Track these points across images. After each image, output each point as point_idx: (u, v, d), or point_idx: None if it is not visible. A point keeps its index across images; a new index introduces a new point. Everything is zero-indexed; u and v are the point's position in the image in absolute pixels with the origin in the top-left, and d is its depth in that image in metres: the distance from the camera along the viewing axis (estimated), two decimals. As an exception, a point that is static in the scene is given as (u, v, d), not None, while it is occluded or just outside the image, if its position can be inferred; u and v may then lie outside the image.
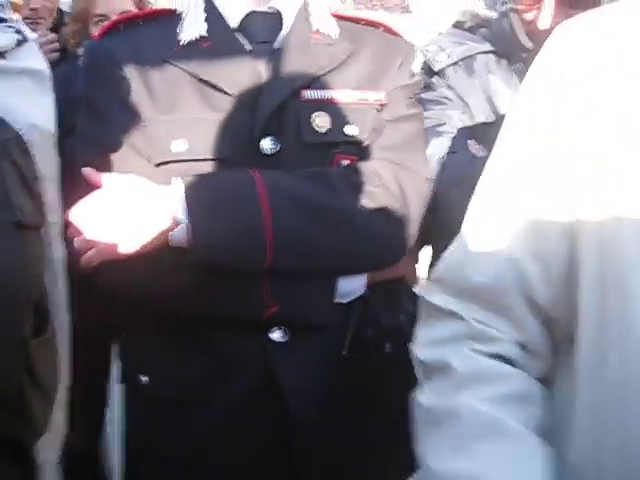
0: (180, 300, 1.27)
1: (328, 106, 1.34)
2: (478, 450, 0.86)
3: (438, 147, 1.61)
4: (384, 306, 1.41)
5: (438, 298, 0.97)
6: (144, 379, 1.35)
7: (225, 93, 1.32)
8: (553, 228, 0.88)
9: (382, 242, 1.33)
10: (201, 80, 1.33)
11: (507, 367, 0.91)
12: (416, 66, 1.48)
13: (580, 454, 0.85)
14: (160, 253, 1.23)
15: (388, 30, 1.49)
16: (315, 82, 1.35)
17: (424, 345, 0.99)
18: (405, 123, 1.41)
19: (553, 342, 0.92)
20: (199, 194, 1.23)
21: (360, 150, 1.35)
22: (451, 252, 1.00)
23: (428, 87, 1.72)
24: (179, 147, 1.29)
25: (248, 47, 1.37)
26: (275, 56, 1.36)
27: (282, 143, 1.31)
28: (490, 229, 0.94)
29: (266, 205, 1.22)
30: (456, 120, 1.66)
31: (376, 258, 1.34)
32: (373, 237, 1.31)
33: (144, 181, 1.25)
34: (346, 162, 1.34)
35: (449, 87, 1.71)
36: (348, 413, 1.37)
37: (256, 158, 1.30)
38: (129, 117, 1.32)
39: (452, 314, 0.95)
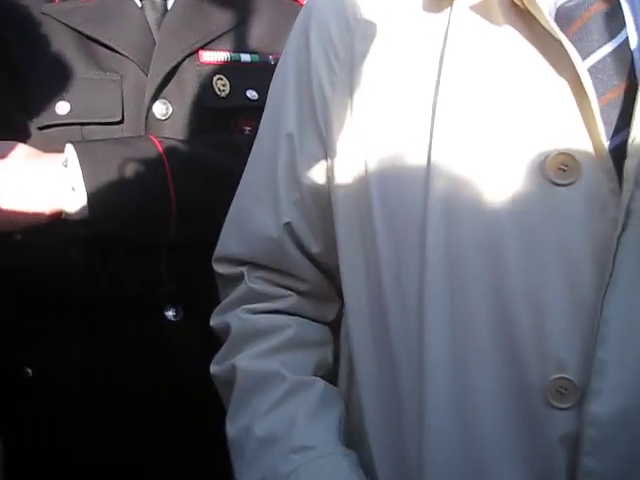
0: (72, 279, 1.16)
1: (228, 69, 1.26)
2: (252, 405, 0.87)
3: None
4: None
5: (226, 269, 0.96)
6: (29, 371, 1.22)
7: (114, 51, 1.21)
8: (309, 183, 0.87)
9: None
10: (87, 37, 1.21)
11: (281, 317, 0.91)
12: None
13: (363, 393, 0.85)
14: (53, 227, 1.10)
15: None
16: (213, 43, 1.26)
17: (214, 313, 0.99)
18: None
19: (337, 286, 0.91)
20: (95, 158, 1.10)
21: (262, 115, 1.27)
22: (228, 217, 0.98)
23: None
24: (63, 109, 1.17)
25: (138, 3, 1.26)
26: (168, 14, 1.25)
27: (177, 107, 1.22)
28: (253, 194, 0.93)
29: (169, 171, 1.13)
30: None
31: None
32: None
33: (29, 149, 1.12)
34: (248, 128, 1.26)
35: None
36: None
37: (149, 123, 1.20)
38: (7, 77, 1.18)
39: (236, 280, 0.94)
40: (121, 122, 1.19)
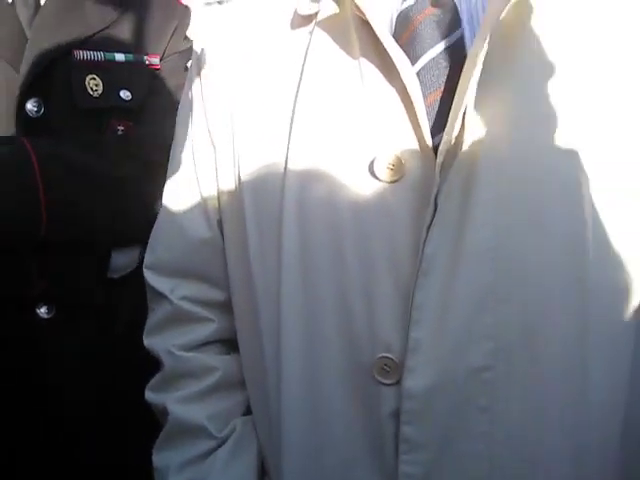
0: None
1: (102, 68, 1.26)
2: (176, 451, 0.91)
3: None
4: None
5: (154, 280, 0.97)
6: None
7: None
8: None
9: (157, 211, 1.26)
10: None
11: (209, 359, 0.94)
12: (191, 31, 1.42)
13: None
14: None
15: None
16: (87, 42, 1.25)
17: (145, 332, 1.00)
18: (180, 90, 1.35)
19: None
20: None
21: (135, 115, 1.29)
22: (155, 230, 1.00)
23: None
24: None
25: None
26: (40, 11, 1.24)
27: (49, 106, 1.21)
28: (179, 199, 0.95)
29: (39, 173, 1.12)
30: None
31: (151, 227, 1.27)
32: (148, 207, 1.24)
33: None
34: (121, 128, 1.26)
35: None
36: (120, 395, 1.30)
37: (20, 121, 1.19)
38: None
39: (162, 295, 0.96)
40: None
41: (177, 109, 1.29)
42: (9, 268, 1.16)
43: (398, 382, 0.74)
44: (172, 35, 1.36)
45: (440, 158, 0.70)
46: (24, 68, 1.19)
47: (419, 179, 0.73)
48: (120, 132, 1.26)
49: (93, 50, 1.26)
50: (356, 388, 0.77)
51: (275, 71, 0.83)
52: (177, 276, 0.95)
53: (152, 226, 1.26)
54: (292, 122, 0.80)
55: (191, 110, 0.93)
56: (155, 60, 1.32)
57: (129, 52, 1.30)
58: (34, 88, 1.20)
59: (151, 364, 1.33)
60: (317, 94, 0.79)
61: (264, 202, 0.82)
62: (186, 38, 1.41)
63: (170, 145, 1.25)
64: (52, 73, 1.22)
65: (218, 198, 0.91)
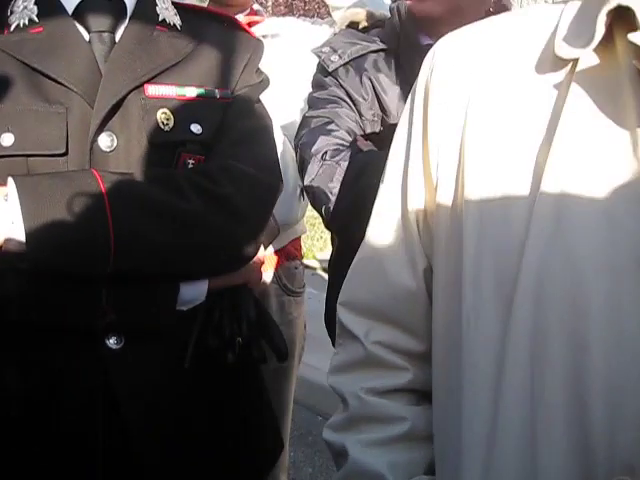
0: (13, 308, 1.15)
1: (173, 103, 1.27)
2: None
3: (325, 144, 1.60)
4: (226, 314, 1.34)
5: (348, 319, 0.94)
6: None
7: (60, 84, 1.21)
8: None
9: (226, 245, 1.26)
10: (33, 69, 1.21)
11: (398, 407, 0.90)
12: (262, 63, 1.43)
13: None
14: None
15: (233, 24, 1.43)
16: (159, 77, 1.27)
17: (331, 370, 0.97)
18: (249, 121, 1.36)
19: None
20: (35, 193, 1.11)
21: (206, 149, 1.29)
22: (355, 266, 0.96)
23: (322, 86, 1.72)
24: (7, 141, 1.17)
25: (86, 35, 1.26)
26: (116, 47, 1.26)
27: (122, 140, 1.23)
28: (386, 241, 0.91)
29: (108, 206, 1.13)
30: (345, 118, 1.65)
31: (219, 261, 1.28)
32: (217, 240, 1.24)
33: None
34: (191, 162, 1.27)
35: (340, 86, 1.69)
36: (188, 425, 1.30)
37: (93, 156, 1.21)
38: None
39: (354, 336, 0.93)
40: (65, 154, 1.19)
41: (248, 143, 1.30)
42: (78, 298, 1.17)
43: None
44: (244, 69, 1.37)
45: None
46: (98, 103, 1.21)
47: None
48: (191, 165, 1.27)
49: (164, 85, 1.27)
50: None
51: (521, 112, 0.75)
52: (373, 319, 0.92)
53: (219, 261, 1.27)
54: (540, 181, 0.71)
55: (408, 143, 0.89)
56: (227, 94, 1.33)
57: (200, 86, 1.30)
58: (107, 123, 1.22)
59: (221, 397, 1.34)
60: (575, 155, 0.70)
61: (492, 259, 0.74)
62: (258, 71, 1.41)
63: (239, 179, 1.26)
64: (124, 108, 1.23)
65: (429, 243, 0.86)
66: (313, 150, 1.59)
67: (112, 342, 1.22)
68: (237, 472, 1.38)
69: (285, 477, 2.41)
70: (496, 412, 0.72)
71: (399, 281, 0.89)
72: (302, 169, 1.64)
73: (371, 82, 1.68)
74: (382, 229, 0.92)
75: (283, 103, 1.97)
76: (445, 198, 0.82)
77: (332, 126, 1.63)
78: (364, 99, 1.67)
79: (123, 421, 1.22)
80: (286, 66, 2.02)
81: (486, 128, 0.78)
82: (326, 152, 1.58)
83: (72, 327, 1.19)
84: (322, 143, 1.60)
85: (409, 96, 0.91)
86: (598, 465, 0.66)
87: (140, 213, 1.16)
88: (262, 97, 1.44)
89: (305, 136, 1.65)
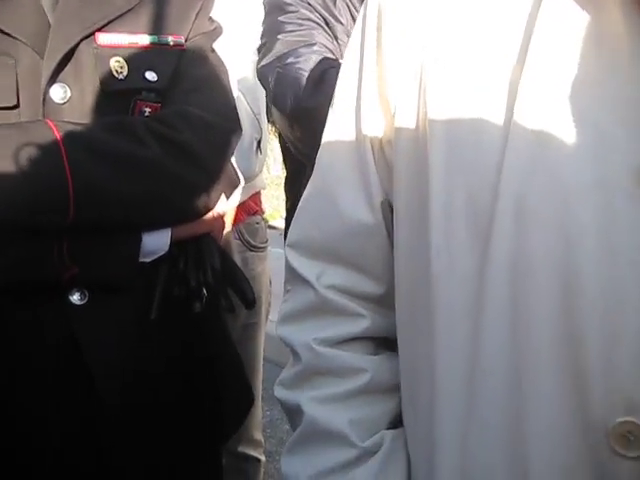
0: None
1: (126, 51, 1.24)
2: (311, 457, 0.82)
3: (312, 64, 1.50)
4: (191, 264, 1.33)
5: (298, 261, 0.86)
6: None
7: (7, 35, 1.17)
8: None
9: (187, 193, 1.24)
10: None
11: (356, 358, 0.83)
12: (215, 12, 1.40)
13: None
14: None
15: None
16: (110, 25, 1.24)
17: (280, 319, 0.89)
18: (204, 68, 1.34)
19: None
20: None
21: (162, 97, 1.27)
22: (303, 202, 0.88)
23: (283, 10, 1.61)
24: None
25: None
26: None
27: (75, 91, 1.20)
28: (336, 175, 0.83)
29: (65, 157, 1.11)
30: (324, 41, 1.56)
31: (182, 209, 1.26)
32: (178, 187, 1.22)
33: None
34: (148, 110, 1.25)
35: (313, 10, 1.60)
36: (152, 368, 1.29)
37: (46, 108, 1.18)
38: None
39: (304, 281, 0.85)
40: (17, 107, 1.17)
41: (203, 89, 1.28)
42: (38, 253, 1.14)
43: None
44: (196, 16, 1.34)
45: None
46: (48, 54, 1.18)
47: None
48: (147, 114, 1.25)
49: (116, 33, 1.25)
50: (576, 454, 0.61)
51: (490, 29, 0.69)
52: (326, 260, 0.84)
53: (181, 208, 1.25)
54: (514, 100, 0.65)
55: (360, 68, 0.80)
56: (180, 41, 1.31)
57: (153, 33, 1.28)
58: (59, 74, 1.19)
59: (186, 350, 1.33)
60: (552, 69, 0.64)
61: (464, 187, 0.68)
62: (210, 19, 1.39)
63: (197, 125, 1.24)
64: (76, 58, 1.21)
65: (387, 174, 0.79)
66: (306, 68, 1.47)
67: (76, 298, 1.20)
68: (202, 418, 1.37)
69: (260, 435, 2.42)
70: (475, 354, 0.67)
71: (354, 216, 0.81)
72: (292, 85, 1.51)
73: (347, 6, 1.60)
74: (333, 160, 0.84)
75: (235, 56, 1.93)
76: (405, 124, 0.74)
77: (316, 48, 1.54)
78: (340, 22, 1.59)
79: (86, 368, 1.20)
80: (236, 17, 1.98)
81: (448, 50, 0.71)
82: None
83: (34, 283, 1.17)
84: (311, 62, 1.50)
85: (359, 17, 0.83)
86: (594, 407, 0.61)
87: (99, 161, 1.14)
88: (216, 47, 1.42)
89: (288, 56, 1.53)
